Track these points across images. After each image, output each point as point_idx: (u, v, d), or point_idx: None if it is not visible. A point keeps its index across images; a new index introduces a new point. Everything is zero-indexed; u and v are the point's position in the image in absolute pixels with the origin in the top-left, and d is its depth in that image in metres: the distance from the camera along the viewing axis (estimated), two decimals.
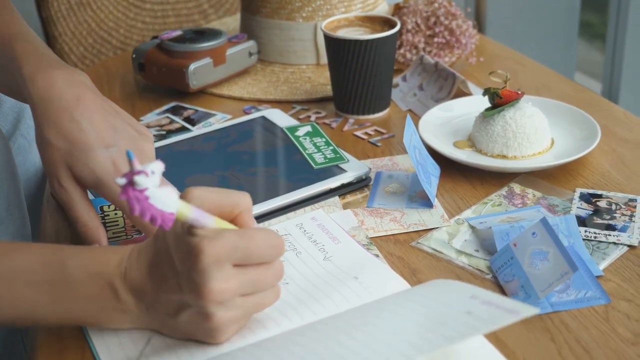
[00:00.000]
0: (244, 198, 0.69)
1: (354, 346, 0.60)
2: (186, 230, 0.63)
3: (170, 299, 0.65)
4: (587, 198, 0.89)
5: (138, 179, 0.57)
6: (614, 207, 0.87)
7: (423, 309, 0.64)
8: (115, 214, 0.88)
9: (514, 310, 0.59)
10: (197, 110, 1.16)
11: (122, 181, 0.57)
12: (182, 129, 1.10)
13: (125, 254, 0.68)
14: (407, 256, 0.81)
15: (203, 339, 0.67)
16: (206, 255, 0.62)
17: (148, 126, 1.11)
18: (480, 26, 1.88)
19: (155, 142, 1.03)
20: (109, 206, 0.89)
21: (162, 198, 0.58)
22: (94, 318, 0.68)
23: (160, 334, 0.69)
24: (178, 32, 1.22)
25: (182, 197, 0.65)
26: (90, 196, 0.84)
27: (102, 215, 0.88)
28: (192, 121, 1.13)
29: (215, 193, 0.67)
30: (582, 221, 0.85)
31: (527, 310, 0.59)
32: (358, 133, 1.08)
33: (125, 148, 0.79)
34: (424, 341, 0.59)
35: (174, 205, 0.59)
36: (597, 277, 0.77)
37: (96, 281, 0.66)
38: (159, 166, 0.58)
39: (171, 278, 0.65)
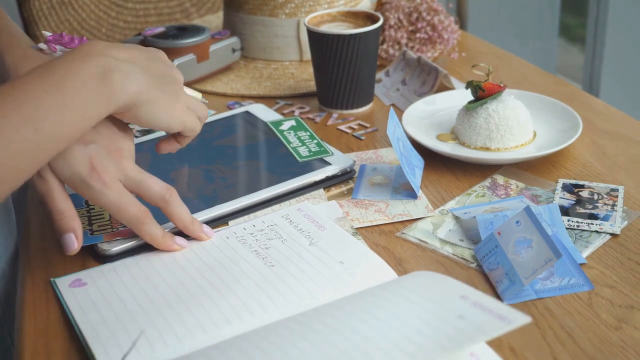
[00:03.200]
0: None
1: (344, 347, 0.59)
2: None
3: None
4: (569, 188, 0.90)
5: None
6: (596, 197, 0.88)
7: (414, 309, 0.63)
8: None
9: (506, 318, 0.59)
10: None
11: None
12: None
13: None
14: (393, 246, 0.82)
15: None
16: None
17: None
18: (461, 23, 1.89)
19: (139, 137, 1.03)
20: None
21: None
22: (96, 92, 0.71)
23: (145, 315, 0.70)
24: (161, 29, 1.22)
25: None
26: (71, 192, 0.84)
27: (88, 208, 0.88)
28: None
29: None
30: (565, 211, 0.86)
31: (520, 319, 0.59)
32: (342, 127, 1.08)
33: (105, 145, 0.79)
34: (419, 349, 0.58)
35: None
36: (581, 264, 0.78)
37: (83, 62, 0.71)
38: None
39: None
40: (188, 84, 1.20)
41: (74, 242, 0.76)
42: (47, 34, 0.82)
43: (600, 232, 0.82)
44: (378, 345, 0.59)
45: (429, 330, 0.60)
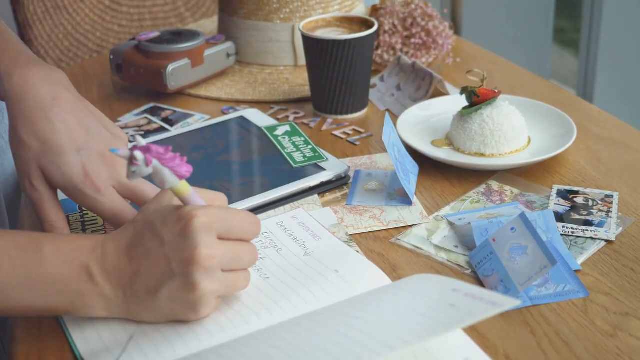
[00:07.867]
0: (220, 198, 0.72)
1: (339, 340, 0.60)
2: (174, 207, 0.68)
3: (153, 271, 0.67)
4: (564, 194, 0.90)
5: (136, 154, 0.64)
6: (590, 203, 0.88)
7: (406, 302, 0.64)
8: None
9: (496, 303, 0.60)
10: (175, 111, 1.16)
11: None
12: (161, 130, 1.10)
13: (99, 240, 0.69)
14: (387, 252, 0.82)
15: (183, 315, 0.68)
16: (197, 221, 0.66)
17: (126, 127, 1.11)
18: (456, 28, 1.90)
19: (133, 142, 1.03)
20: None
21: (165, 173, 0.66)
22: (69, 303, 0.68)
23: (135, 321, 0.69)
24: (156, 33, 1.22)
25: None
26: (64, 196, 0.84)
27: (81, 214, 0.87)
28: (170, 122, 1.13)
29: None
30: (559, 217, 0.86)
31: (510, 302, 0.59)
32: (336, 133, 1.08)
33: (98, 150, 0.79)
34: (409, 334, 0.59)
35: (174, 181, 0.66)
36: (576, 271, 0.77)
37: (71, 264, 0.67)
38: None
39: (156, 250, 0.67)
40: (183, 89, 1.20)
41: None
42: (142, 141, 0.66)
43: (595, 239, 0.82)
44: (369, 334, 0.60)
45: (417, 317, 0.61)
